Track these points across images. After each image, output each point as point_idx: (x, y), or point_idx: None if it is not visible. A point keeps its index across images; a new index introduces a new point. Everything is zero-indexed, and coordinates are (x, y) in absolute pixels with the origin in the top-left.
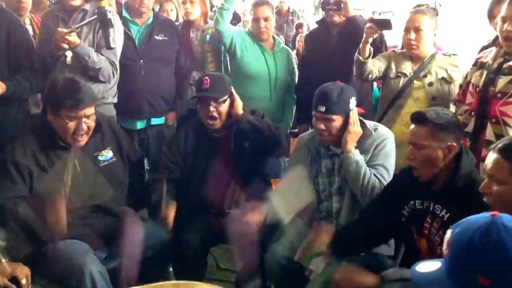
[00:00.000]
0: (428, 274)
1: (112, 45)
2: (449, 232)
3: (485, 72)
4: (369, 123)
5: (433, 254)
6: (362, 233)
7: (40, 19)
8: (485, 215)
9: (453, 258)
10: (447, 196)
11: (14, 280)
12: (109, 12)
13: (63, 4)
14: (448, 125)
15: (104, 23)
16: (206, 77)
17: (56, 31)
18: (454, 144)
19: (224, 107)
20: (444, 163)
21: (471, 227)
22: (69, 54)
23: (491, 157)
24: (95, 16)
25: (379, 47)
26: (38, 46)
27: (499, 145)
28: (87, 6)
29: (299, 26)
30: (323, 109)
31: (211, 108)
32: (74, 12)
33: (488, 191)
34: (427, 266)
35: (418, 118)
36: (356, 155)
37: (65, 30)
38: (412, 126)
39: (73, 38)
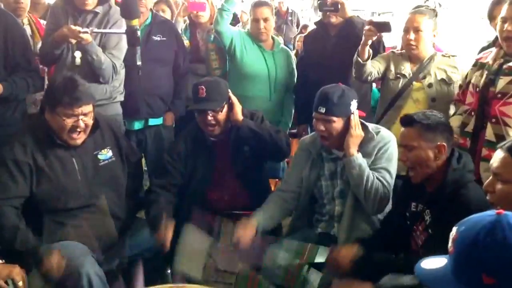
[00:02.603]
0: (433, 271)
1: (138, 63)
2: (454, 230)
3: (485, 73)
4: (371, 126)
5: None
6: (382, 243)
7: (38, 19)
8: (490, 213)
9: (457, 256)
10: (436, 199)
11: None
12: (138, 31)
13: (74, 2)
14: (436, 125)
15: (133, 41)
16: (202, 86)
17: (69, 27)
18: (444, 144)
19: (222, 114)
20: (436, 164)
21: (476, 225)
22: (78, 54)
23: (498, 156)
24: (120, 31)
25: (376, 48)
26: (44, 35)
27: (508, 144)
28: (98, 9)
29: (304, 27)
30: (323, 110)
31: (209, 118)
32: (84, 11)
33: (491, 189)
34: (432, 263)
35: (406, 120)
36: (359, 158)
37: (80, 29)
38: (402, 129)
39: (86, 35)
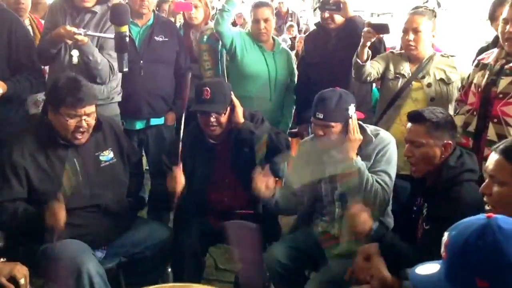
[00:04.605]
0: (427, 277)
1: (125, 69)
2: (446, 235)
3: (487, 73)
4: (370, 128)
5: None
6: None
7: (39, 19)
8: (480, 217)
9: (450, 261)
10: (431, 194)
11: (13, 280)
12: (127, 37)
13: (72, 1)
14: (444, 123)
15: (120, 48)
16: (207, 87)
17: (65, 27)
18: (450, 142)
19: (224, 117)
20: (440, 161)
21: (466, 229)
22: (75, 53)
23: (492, 158)
24: (111, 36)
25: (378, 48)
26: (42, 34)
27: (501, 146)
28: (97, 8)
29: (289, 28)
30: (321, 116)
31: (212, 119)
32: (83, 10)
33: (488, 192)
34: (426, 269)
35: (415, 116)
36: (358, 162)
37: (75, 30)
38: (409, 124)
39: (82, 37)
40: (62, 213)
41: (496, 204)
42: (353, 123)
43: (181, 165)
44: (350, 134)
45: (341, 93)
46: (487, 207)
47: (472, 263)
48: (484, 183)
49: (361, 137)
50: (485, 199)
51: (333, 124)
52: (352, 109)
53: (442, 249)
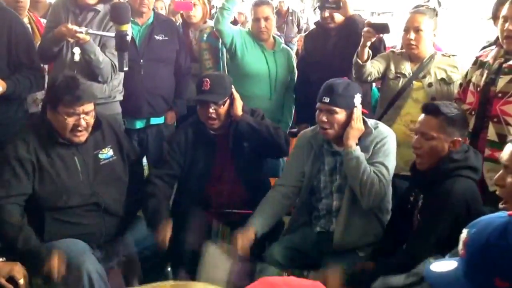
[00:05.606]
0: (444, 274)
1: (125, 68)
2: (465, 232)
3: (485, 72)
4: (371, 121)
5: None
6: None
7: (38, 18)
8: (501, 215)
9: (469, 260)
10: (430, 184)
11: (12, 280)
12: (128, 36)
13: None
14: (458, 120)
15: (121, 46)
16: (207, 79)
17: (67, 26)
18: (460, 139)
19: (223, 109)
20: (445, 155)
21: (487, 227)
22: (76, 51)
23: (508, 149)
24: (113, 34)
25: (378, 47)
26: (44, 32)
27: None
28: (100, 7)
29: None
30: (327, 100)
31: (211, 110)
32: (86, 8)
33: (502, 183)
34: (443, 266)
35: (431, 109)
36: (357, 151)
37: (77, 28)
38: (423, 115)
39: (83, 35)
40: (61, 264)
41: (509, 195)
42: (357, 112)
43: (169, 227)
44: (353, 122)
45: (349, 82)
46: (501, 206)
47: (493, 262)
48: (498, 174)
49: (363, 128)
50: (497, 192)
51: (338, 109)
52: (358, 99)
53: (461, 246)
